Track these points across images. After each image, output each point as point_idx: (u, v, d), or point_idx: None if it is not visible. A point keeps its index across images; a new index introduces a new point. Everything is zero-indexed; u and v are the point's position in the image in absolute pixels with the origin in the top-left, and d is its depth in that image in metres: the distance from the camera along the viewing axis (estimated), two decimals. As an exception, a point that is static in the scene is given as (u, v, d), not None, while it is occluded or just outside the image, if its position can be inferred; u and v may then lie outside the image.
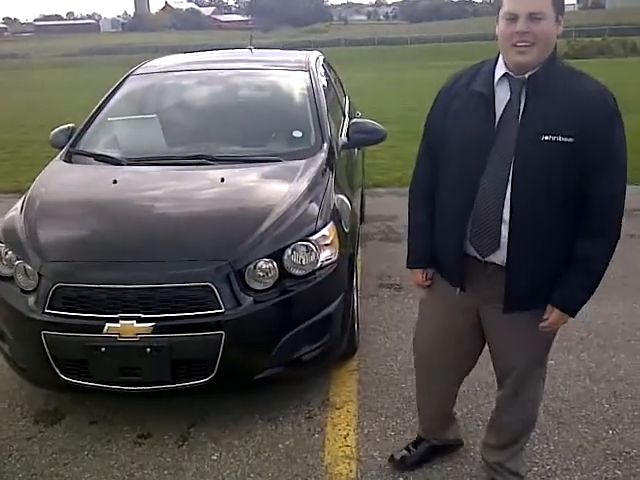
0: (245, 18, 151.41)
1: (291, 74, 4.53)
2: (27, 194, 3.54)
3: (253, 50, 5.36)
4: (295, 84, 4.40)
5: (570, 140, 1.98)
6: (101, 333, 2.84)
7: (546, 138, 2.00)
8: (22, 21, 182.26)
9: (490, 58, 2.21)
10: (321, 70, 4.85)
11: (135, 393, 2.99)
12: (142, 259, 2.96)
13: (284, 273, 3.02)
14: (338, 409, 3.24)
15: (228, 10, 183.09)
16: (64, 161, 3.87)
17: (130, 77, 4.55)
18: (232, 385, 3.04)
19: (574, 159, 2.00)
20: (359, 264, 5.36)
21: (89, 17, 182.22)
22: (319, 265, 3.11)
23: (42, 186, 3.57)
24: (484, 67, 2.19)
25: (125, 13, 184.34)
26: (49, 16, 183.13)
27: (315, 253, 3.09)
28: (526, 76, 2.05)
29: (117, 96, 4.38)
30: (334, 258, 3.19)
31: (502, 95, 2.10)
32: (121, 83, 4.50)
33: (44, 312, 2.92)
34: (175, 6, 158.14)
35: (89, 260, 3.01)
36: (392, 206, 6.60)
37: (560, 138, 1.99)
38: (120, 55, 50.46)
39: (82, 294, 2.91)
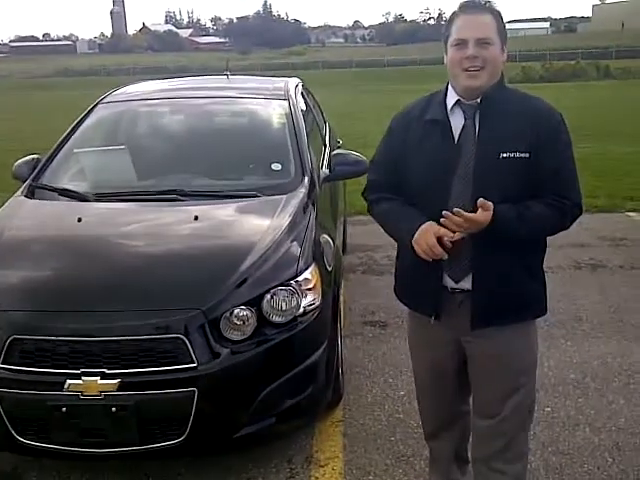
0: (223, 40, 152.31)
1: (269, 103, 4.30)
2: (-16, 233, 3.26)
3: (230, 76, 5.14)
4: (274, 113, 4.18)
5: (526, 155, 2.08)
6: (62, 391, 2.57)
7: (504, 155, 2.08)
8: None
9: (438, 90, 2.26)
10: (300, 98, 4.64)
11: (100, 456, 2.71)
12: (107, 308, 2.70)
13: (263, 321, 2.78)
14: (322, 467, 2.99)
15: (206, 32, 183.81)
16: (25, 196, 3.59)
17: (99, 105, 4.29)
18: (208, 445, 2.77)
19: (530, 172, 2.08)
20: (341, 299, 5.16)
21: (66, 38, 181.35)
22: (301, 311, 2.88)
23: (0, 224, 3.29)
24: (434, 98, 2.24)
25: (102, 34, 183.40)
26: (25, 37, 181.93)
27: (297, 298, 2.86)
28: (478, 100, 2.13)
29: (85, 125, 4.12)
30: (317, 303, 2.95)
31: (457, 122, 2.16)
32: (89, 111, 4.24)
33: None
34: (153, 28, 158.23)
35: (48, 309, 2.74)
36: (375, 235, 6.33)
37: (517, 154, 2.08)
38: (96, 77, 50.23)
39: (40, 347, 2.64)
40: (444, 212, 2.03)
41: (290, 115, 4.04)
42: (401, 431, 3.26)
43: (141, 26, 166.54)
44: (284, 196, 3.39)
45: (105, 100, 4.36)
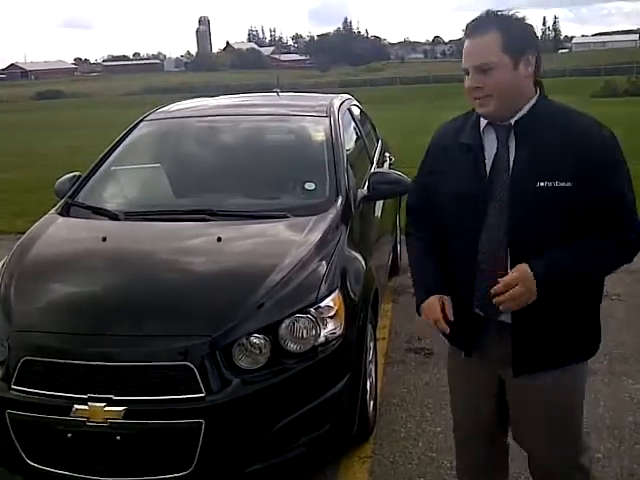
0: (303, 57, 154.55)
1: (309, 120, 4.15)
2: (13, 250, 3.27)
3: (280, 94, 5.04)
4: (312, 131, 4.03)
5: (568, 184, 1.84)
6: (69, 416, 2.51)
7: (542, 184, 1.85)
8: (92, 61, 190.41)
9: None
10: (346, 115, 4.48)
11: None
12: (115, 332, 2.63)
13: (279, 349, 2.64)
14: (343, 507, 2.80)
15: (287, 50, 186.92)
16: (59, 214, 3.58)
17: (142, 123, 4.28)
18: (217, 479, 2.64)
19: (576, 203, 1.85)
20: (387, 323, 4.95)
21: (154, 57, 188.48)
22: (322, 340, 2.72)
23: (28, 242, 3.29)
24: (472, 115, 2.04)
25: (188, 53, 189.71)
26: (117, 56, 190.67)
27: (316, 326, 2.70)
28: (512, 122, 1.91)
29: (126, 143, 4.10)
30: (339, 332, 2.78)
31: (490, 144, 1.97)
32: (132, 128, 4.24)
33: (10, 388, 2.61)
34: (236, 46, 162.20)
35: (58, 332, 2.69)
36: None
37: (557, 183, 1.84)
38: (179, 94, 51.84)
39: (50, 370, 2.60)
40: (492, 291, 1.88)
41: (330, 133, 3.89)
42: (432, 472, 3.02)
43: (225, 44, 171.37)
44: (313, 217, 3.24)
45: (148, 117, 4.35)
